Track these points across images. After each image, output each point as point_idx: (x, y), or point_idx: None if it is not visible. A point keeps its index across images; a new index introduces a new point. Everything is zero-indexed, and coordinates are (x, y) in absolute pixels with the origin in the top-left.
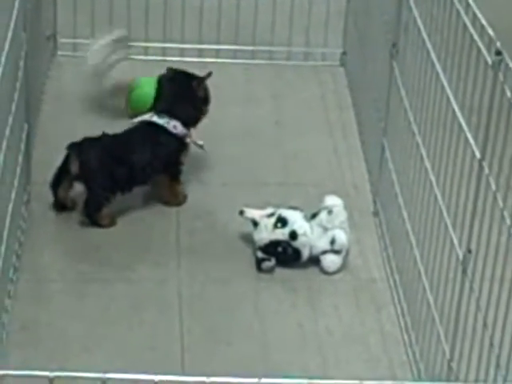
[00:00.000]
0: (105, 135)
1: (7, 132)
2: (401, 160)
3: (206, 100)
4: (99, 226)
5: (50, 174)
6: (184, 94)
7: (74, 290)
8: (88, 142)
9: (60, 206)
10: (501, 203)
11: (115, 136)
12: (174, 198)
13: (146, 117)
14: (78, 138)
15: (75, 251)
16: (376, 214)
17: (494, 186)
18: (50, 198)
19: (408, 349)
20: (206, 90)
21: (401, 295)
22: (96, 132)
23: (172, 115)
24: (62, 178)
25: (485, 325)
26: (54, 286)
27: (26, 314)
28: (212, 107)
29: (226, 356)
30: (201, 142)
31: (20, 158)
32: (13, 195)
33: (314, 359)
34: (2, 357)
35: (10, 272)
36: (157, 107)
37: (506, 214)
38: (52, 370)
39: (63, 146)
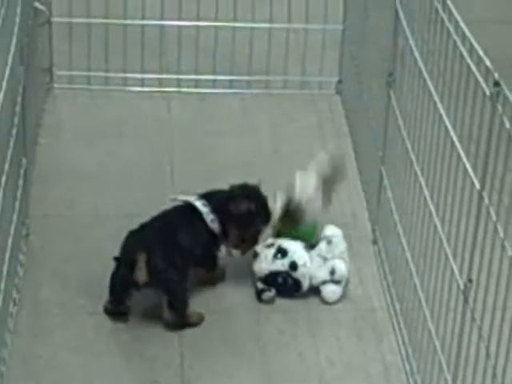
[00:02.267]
0: (151, 225)
1: (6, 167)
2: (399, 188)
3: (245, 223)
4: (190, 325)
5: (48, 208)
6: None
7: (74, 323)
8: (144, 241)
9: (116, 313)
10: (502, 234)
11: (161, 221)
12: (213, 281)
13: (191, 199)
14: (73, 170)
15: (75, 284)
16: (375, 242)
17: (494, 217)
18: (49, 232)
19: (410, 378)
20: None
21: (401, 324)
22: (93, 167)
23: (214, 210)
24: (126, 288)
25: (487, 354)
26: (54, 320)
27: (26, 348)
28: (208, 137)
29: None
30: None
31: (18, 193)
32: (12, 230)
33: None
34: None
35: (9, 306)
36: (205, 196)
37: (507, 244)
38: None
39: (61, 180)
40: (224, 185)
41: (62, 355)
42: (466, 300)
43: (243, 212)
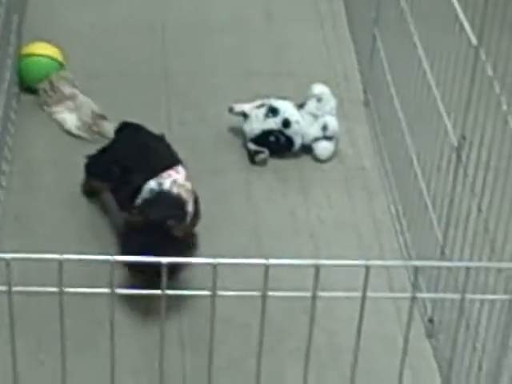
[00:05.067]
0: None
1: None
2: (392, 50)
3: None
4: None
5: None
6: None
7: (66, 180)
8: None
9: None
10: (497, 89)
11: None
12: None
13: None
14: (65, 29)
15: (66, 142)
16: (367, 103)
17: (490, 72)
18: None
19: (399, 236)
20: None
21: (392, 184)
22: (84, 26)
23: None
24: None
25: (479, 209)
26: (47, 177)
27: (18, 204)
28: None
29: (218, 244)
30: None
31: (11, 50)
32: (4, 87)
33: (306, 246)
34: None
35: (2, 164)
36: None
37: (503, 99)
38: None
39: (52, 38)
40: (215, 44)
41: (55, 212)
42: (458, 157)
43: None
